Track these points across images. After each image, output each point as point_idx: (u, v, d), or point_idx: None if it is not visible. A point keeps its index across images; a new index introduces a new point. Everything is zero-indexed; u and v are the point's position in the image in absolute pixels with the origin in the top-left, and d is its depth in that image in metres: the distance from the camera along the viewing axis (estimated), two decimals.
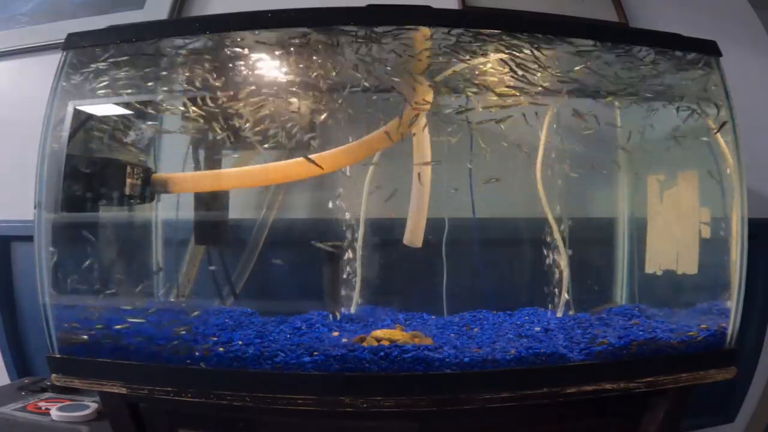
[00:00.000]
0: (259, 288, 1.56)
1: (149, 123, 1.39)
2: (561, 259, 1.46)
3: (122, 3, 1.77)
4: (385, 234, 1.47)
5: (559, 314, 1.43)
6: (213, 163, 1.46)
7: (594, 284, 1.54)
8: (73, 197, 1.22)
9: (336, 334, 1.24)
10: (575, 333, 1.22)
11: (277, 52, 1.24)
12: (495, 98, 1.31)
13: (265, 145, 1.35)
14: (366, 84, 1.26)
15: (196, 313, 1.33)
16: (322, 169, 1.26)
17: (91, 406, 1.26)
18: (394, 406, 1.03)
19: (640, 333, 1.19)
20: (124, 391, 1.08)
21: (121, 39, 1.16)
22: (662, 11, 1.80)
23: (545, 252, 1.48)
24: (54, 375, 1.12)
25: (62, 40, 1.18)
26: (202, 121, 1.33)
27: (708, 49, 1.23)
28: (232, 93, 1.30)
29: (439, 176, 1.38)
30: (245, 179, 1.34)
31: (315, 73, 1.26)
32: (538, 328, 1.27)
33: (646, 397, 1.14)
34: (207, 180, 1.37)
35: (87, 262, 1.25)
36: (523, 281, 1.58)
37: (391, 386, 1.05)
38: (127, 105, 1.35)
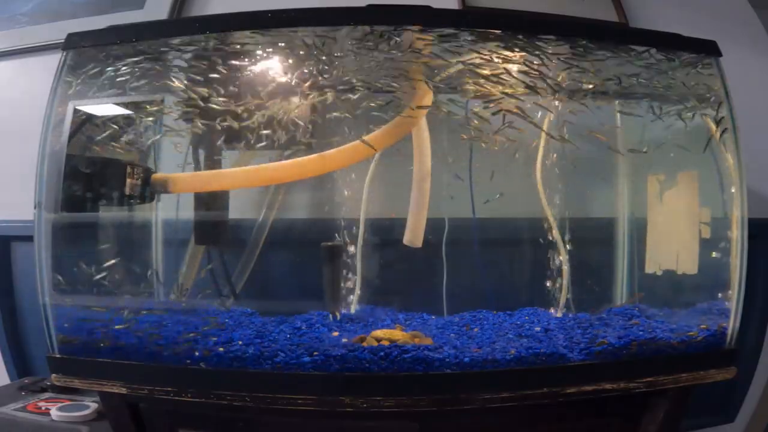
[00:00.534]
0: (259, 288, 1.56)
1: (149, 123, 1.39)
2: (561, 259, 1.46)
3: (122, 3, 1.77)
4: (385, 234, 1.47)
5: (559, 314, 1.43)
6: (213, 163, 1.46)
7: (594, 284, 1.54)
8: (73, 197, 1.21)
9: (336, 334, 1.24)
10: (575, 333, 1.22)
11: (277, 52, 1.24)
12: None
13: (260, 144, 1.34)
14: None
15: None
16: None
17: (91, 406, 1.26)
18: (394, 406, 1.03)
19: (640, 333, 1.19)
20: (124, 391, 1.08)
21: (121, 39, 1.16)
22: (662, 11, 1.80)
23: (545, 252, 1.48)
24: (54, 375, 1.12)
25: (62, 40, 1.18)
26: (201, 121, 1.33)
27: (708, 49, 1.23)
28: (233, 93, 1.30)
29: (439, 176, 1.38)
30: (245, 179, 1.34)
31: (315, 73, 1.26)
32: (538, 328, 1.27)
33: (646, 397, 1.14)
34: (207, 180, 1.37)
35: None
36: (523, 281, 1.58)
37: (391, 386, 1.05)
38: (127, 105, 1.35)
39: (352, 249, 1.47)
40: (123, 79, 1.26)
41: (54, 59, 1.19)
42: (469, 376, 1.07)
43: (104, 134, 1.28)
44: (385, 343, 1.15)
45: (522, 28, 1.16)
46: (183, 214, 1.47)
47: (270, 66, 1.29)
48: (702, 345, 1.17)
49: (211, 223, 1.49)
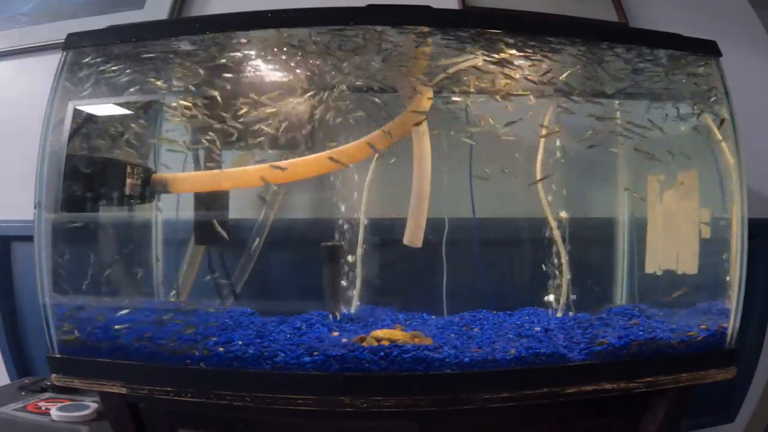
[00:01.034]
0: (259, 288, 1.56)
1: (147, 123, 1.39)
2: (561, 259, 1.46)
3: (122, 3, 1.77)
4: (385, 234, 1.47)
5: (560, 314, 1.43)
6: (213, 163, 1.46)
7: (594, 284, 1.54)
8: (73, 197, 1.21)
9: (336, 334, 1.24)
10: (575, 333, 1.22)
11: (277, 53, 1.24)
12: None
13: (257, 140, 1.34)
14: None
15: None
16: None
17: (91, 406, 1.26)
18: (394, 406, 1.03)
19: (640, 333, 1.19)
20: (124, 391, 1.08)
21: (121, 39, 1.16)
22: (662, 11, 1.80)
23: (545, 252, 1.48)
24: (54, 375, 1.12)
25: (62, 40, 1.18)
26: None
27: (708, 49, 1.23)
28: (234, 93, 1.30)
29: (440, 176, 1.38)
30: (245, 179, 1.34)
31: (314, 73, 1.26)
32: (538, 328, 1.27)
33: (646, 397, 1.14)
34: (207, 180, 1.37)
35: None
36: (523, 281, 1.58)
37: (391, 386, 1.05)
38: (128, 105, 1.35)
39: (351, 251, 1.47)
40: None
41: (54, 59, 1.19)
42: (469, 376, 1.07)
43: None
44: (385, 343, 1.15)
45: (522, 28, 1.16)
46: (183, 214, 1.47)
47: (271, 66, 1.29)
48: (702, 345, 1.17)
49: (212, 223, 1.49)
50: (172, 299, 1.48)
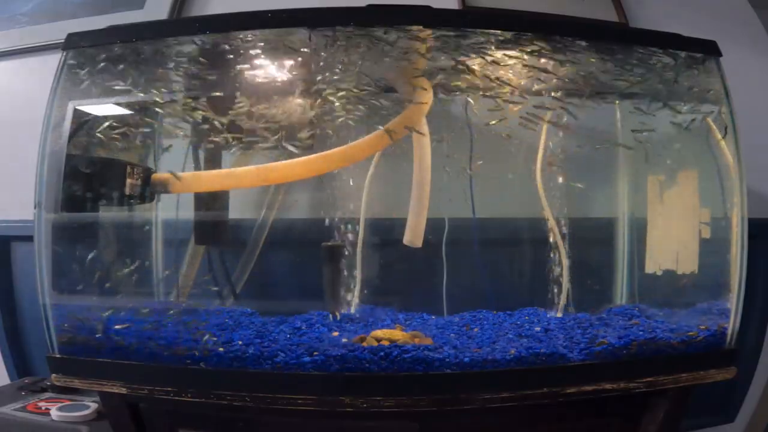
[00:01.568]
0: (259, 288, 1.56)
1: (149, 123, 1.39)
2: (561, 259, 1.46)
3: (122, 3, 1.77)
4: (385, 234, 1.47)
5: (559, 314, 1.43)
6: (213, 163, 1.46)
7: (594, 284, 1.54)
8: (73, 197, 1.21)
9: (336, 334, 1.24)
10: (575, 333, 1.22)
11: (278, 52, 1.24)
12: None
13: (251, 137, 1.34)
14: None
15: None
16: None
17: (91, 406, 1.26)
18: (394, 406, 1.03)
19: (640, 333, 1.19)
20: (124, 391, 1.08)
21: (121, 39, 1.16)
22: (662, 11, 1.80)
23: (545, 252, 1.48)
24: (54, 375, 1.12)
25: (62, 40, 1.18)
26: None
27: (708, 49, 1.23)
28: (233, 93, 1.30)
29: (440, 176, 1.38)
30: (246, 179, 1.34)
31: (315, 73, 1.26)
32: (538, 328, 1.27)
33: (646, 397, 1.14)
34: (208, 180, 1.37)
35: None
36: (523, 281, 1.58)
37: (391, 386, 1.05)
38: (128, 105, 1.35)
39: (351, 251, 1.47)
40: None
41: (54, 59, 1.19)
42: (469, 376, 1.07)
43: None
44: (385, 343, 1.15)
45: (522, 29, 1.16)
46: (183, 214, 1.47)
47: (272, 66, 1.29)
48: (702, 345, 1.17)
49: (211, 223, 1.49)
50: (171, 299, 1.48)
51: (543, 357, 1.10)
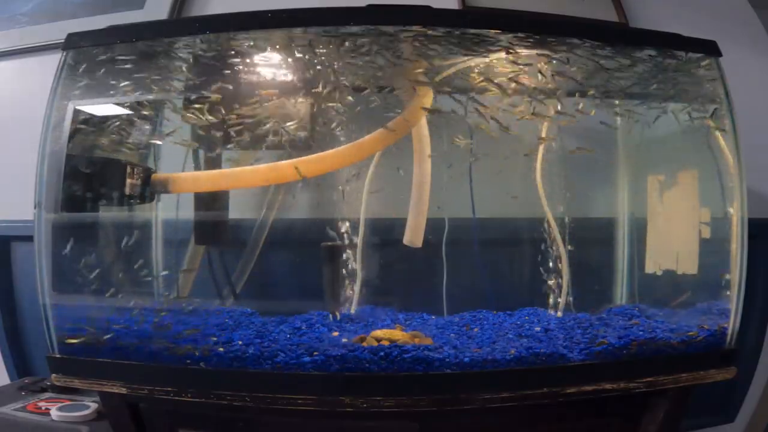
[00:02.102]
0: (259, 288, 1.56)
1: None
2: (561, 259, 1.46)
3: (122, 3, 1.77)
4: (385, 234, 1.47)
5: (560, 314, 1.43)
6: (213, 163, 1.46)
7: (594, 284, 1.54)
8: (73, 197, 1.21)
9: (336, 334, 1.24)
10: (575, 333, 1.22)
11: (278, 52, 1.24)
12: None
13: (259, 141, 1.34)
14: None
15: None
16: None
17: (91, 406, 1.26)
18: (394, 406, 1.03)
19: (640, 333, 1.19)
20: (124, 391, 1.08)
21: (121, 39, 1.16)
22: (662, 11, 1.80)
23: (545, 252, 1.48)
24: (54, 375, 1.12)
25: (62, 40, 1.18)
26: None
27: (708, 49, 1.23)
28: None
29: (440, 176, 1.38)
30: (246, 179, 1.34)
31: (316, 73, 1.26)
32: (538, 328, 1.27)
33: (646, 397, 1.14)
34: (207, 180, 1.37)
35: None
36: (523, 281, 1.58)
37: (391, 386, 1.05)
38: (128, 105, 1.35)
39: (352, 250, 1.47)
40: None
41: (54, 59, 1.19)
42: (469, 376, 1.07)
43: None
44: (385, 343, 1.15)
45: (522, 29, 1.16)
46: (183, 214, 1.47)
47: (273, 66, 1.29)
48: (702, 345, 1.17)
49: (211, 223, 1.49)
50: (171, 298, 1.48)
51: (543, 357, 1.10)
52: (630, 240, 1.56)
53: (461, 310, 1.44)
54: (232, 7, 1.22)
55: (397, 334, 1.19)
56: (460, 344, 1.16)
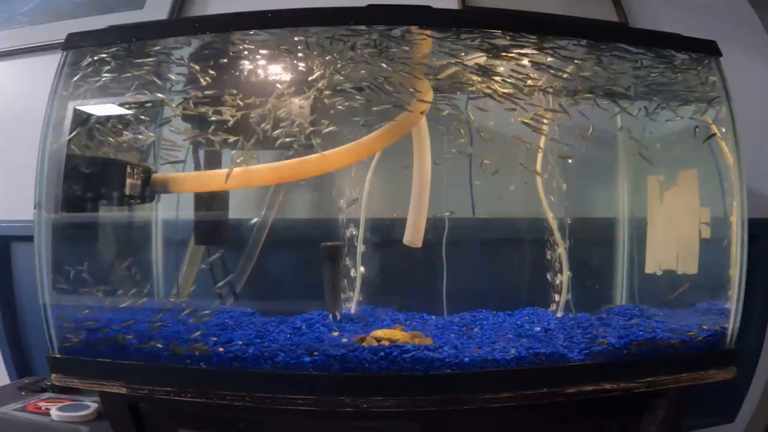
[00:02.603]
0: (259, 288, 1.56)
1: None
2: (561, 259, 1.46)
3: (122, 3, 1.77)
4: (385, 234, 1.47)
5: (560, 314, 1.43)
6: (213, 163, 1.46)
7: (594, 284, 1.54)
8: (73, 197, 1.21)
9: (336, 334, 1.24)
10: (575, 333, 1.22)
11: (277, 53, 1.24)
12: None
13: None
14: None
15: None
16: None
17: (91, 406, 1.26)
18: (395, 406, 1.03)
19: (640, 333, 1.19)
20: (124, 391, 1.07)
21: (121, 39, 1.16)
22: (662, 11, 1.80)
23: (545, 252, 1.48)
24: (54, 375, 1.12)
25: (62, 40, 1.18)
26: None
27: (708, 49, 1.23)
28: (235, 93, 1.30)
29: (440, 176, 1.38)
30: (246, 179, 1.34)
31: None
32: (538, 328, 1.27)
33: (646, 397, 1.14)
34: (207, 180, 1.37)
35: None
36: (523, 281, 1.58)
37: (392, 386, 1.05)
38: (129, 105, 1.35)
39: (351, 251, 1.47)
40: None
41: (54, 59, 1.19)
42: (469, 376, 1.07)
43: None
44: (385, 343, 1.15)
45: (522, 29, 1.16)
46: (183, 214, 1.47)
47: (273, 65, 1.29)
48: (702, 345, 1.17)
49: (211, 223, 1.49)
50: (172, 298, 1.48)
51: (543, 357, 1.10)
52: (630, 240, 1.56)
53: (461, 310, 1.44)
54: (232, 7, 1.22)
55: (397, 334, 1.19)
56: (460, 344, 1.16)
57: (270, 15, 1.09)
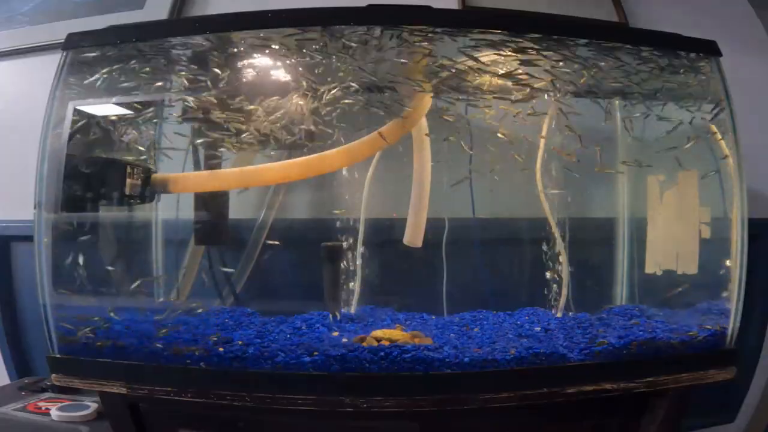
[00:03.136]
0: (259, 288, 1.56)
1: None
2: (561, 259, 1.46)
3: (122, 3, 1.77)
4: (385, 234, 1.47)
5: (559, 314, 1.43)
6: (213, 163, 1.46)
7: (594, 284, 1.54)
8: (73, 197, 1.21)
9: (336, 334, 1.24)
10: (575, 333, 1.22)
11: (278, 52, 1.24)
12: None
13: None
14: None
15: None
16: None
17: (91, 406, 1.26)
18: (395, 406, 1.03)
19: (640, 333, 1.19)
20: (124, 391, 1.08)
21: (121, 39, 1.16)
22: (662, 11, 1.80)
23: (545, 252, 1.48)
24: (54, 375, 1.12)
25: (62, 40, 1.18)
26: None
27: (708, 49, 1.23)
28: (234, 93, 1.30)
29: (439, 176, 1.38)
30: (246, 179, 1.34)
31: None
32: (538, 328, 1.27)
33: (646, 397, 1.14)
34: (207, 180, 1.37)
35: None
36: (523, 281, 1.58)
37: (392, 386, 1.05)
38: (128, 105, 1.35)
39: (351, 251, 1.47)
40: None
41: (54, 59, 1.19)
42: (469, 376, 1.07)
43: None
44: (385, 343, 1.15)
45: (522, 29, 1.16)
46: (183, 214, 1.47)
47: (272, 66, 1.29)
48: (702, 345, 1.17)
49: (211, 223, 1.49)
50: (171, 299, 1.48)
51: (543, 357, 1.10)
52: (630, 240, 1.56)
53: (461, 310, 1.44)
54: (232, 7, 1.22)
55: (397, 334, 1.19)
56: (460, 344, 1.16)
57: (270, 15, 1.09)
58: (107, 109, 1.33)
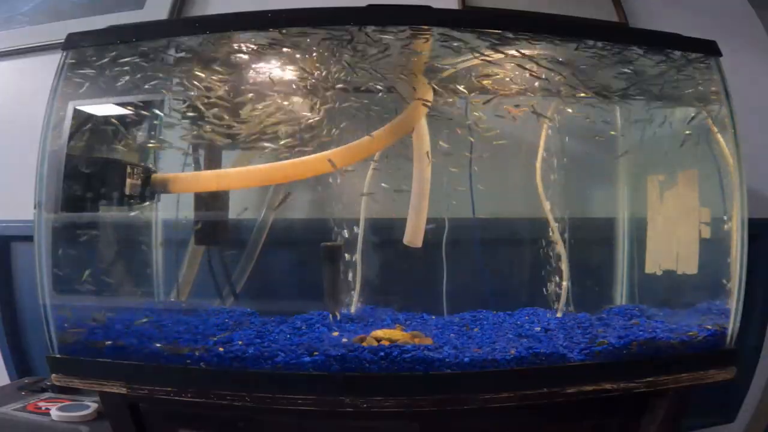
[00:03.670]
0: (259, 288, 1.56)
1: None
2: (561, 259, 1.46)
3: (122, 3, 1.77)
4: (385, 234, 1.47)
5: (559, 314, 1.43)
6: (213, 163, 1.46)
7: (594, 284, 1.54)
8: (73, 197, 1.21)
9: (336, 334, 1.24)
10: (575, 333, 1.22)
11: (278, 52, 1.24)
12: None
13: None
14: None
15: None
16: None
17: (91, 406, 1.26)
18: (395, 406, 1.03)
19: (640, 333, 1.19)
20: (124, 391, 1.07)
21: (121, 39, 1.16)
22: (662, 11, 1.80)
23: (545, 252, 1.48)
24: (54, 375, 1.12)
25: (62, 40, 1.18)
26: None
27: (708, 49, 1.23)
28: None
29: (439, 176, 1.38)
30: (246, 179, 1.34)
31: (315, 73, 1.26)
32: (538, 328, 1.27)
33: (646, 397, 1.14)
34: (207, 180, 1.37)
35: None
36: (523, 281, 1.58)
37: (392, 386, 1.05)
38: (129, 105, 1.35)
39: (351, 251, 1.47)
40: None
41: (54, 59, 1.19)
42: (469, 376, 1.07)
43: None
44: (385, 343, 1.15)
45: (522, 29, 1.16)
46: (183, 214, 1.47)
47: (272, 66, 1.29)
48: (702, 345, 1.17)
49: (211, 223, 1.49)
50: (171, 299, 1.48)
51: (543, 357, 1.10)
52: (630, 240, 1.56)
53: (461, 310, 1.44)
54: (232, 7, 1.22)
55: (397, 334, 1.19)
56: (460, 344, 1.16)
57: (270, 15, 1.09)
58: (107, 109, 1.33)
